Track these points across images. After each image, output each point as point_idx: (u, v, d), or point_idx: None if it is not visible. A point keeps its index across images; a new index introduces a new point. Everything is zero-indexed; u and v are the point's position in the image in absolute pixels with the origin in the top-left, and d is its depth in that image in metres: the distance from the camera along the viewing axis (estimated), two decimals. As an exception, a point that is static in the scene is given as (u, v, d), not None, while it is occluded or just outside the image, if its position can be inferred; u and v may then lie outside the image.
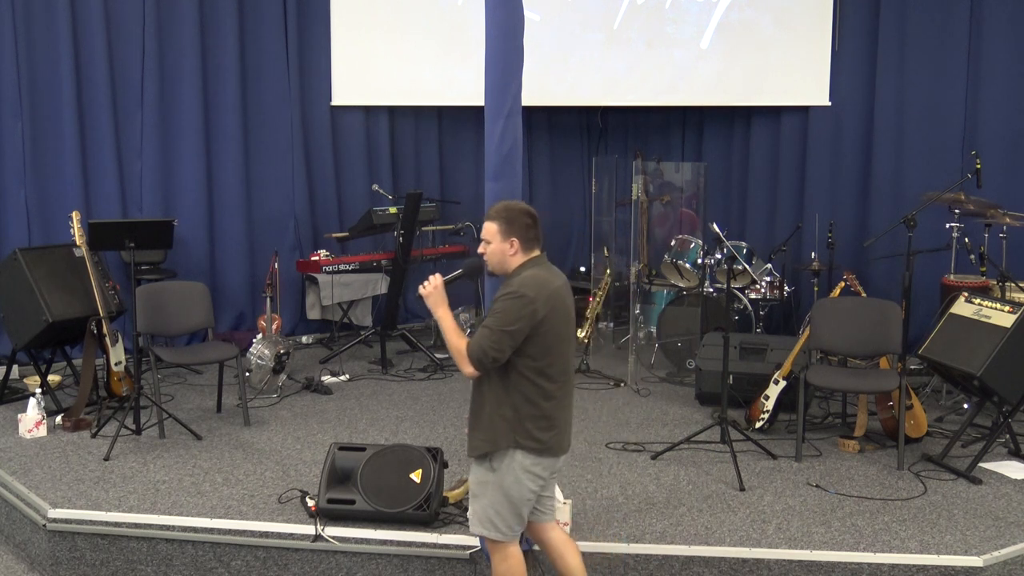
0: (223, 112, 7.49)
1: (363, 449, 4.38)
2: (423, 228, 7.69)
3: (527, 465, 3.31)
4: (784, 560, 3.97)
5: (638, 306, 7.28)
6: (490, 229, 3.35)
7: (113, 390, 5.84)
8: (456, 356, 3.28)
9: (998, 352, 4.85)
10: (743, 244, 7.15)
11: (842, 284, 5.72)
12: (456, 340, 3.28)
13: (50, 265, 5.93)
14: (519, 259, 3.34)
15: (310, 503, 4.30)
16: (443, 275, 3.45)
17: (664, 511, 4.43)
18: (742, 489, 4.69)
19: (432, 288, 3.37)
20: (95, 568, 4.25)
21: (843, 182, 7.73)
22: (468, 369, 3.26)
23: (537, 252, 3.38)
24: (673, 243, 7.31)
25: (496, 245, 3.34)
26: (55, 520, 4.28)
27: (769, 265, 7.13)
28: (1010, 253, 6.40)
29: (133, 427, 5.42)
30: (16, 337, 5.94)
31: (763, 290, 6.98)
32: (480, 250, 3.42)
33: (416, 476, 4.24)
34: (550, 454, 3.36)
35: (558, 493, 4.16)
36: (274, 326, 6.64)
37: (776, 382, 5.59)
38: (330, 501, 4.22)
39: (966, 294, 5.31)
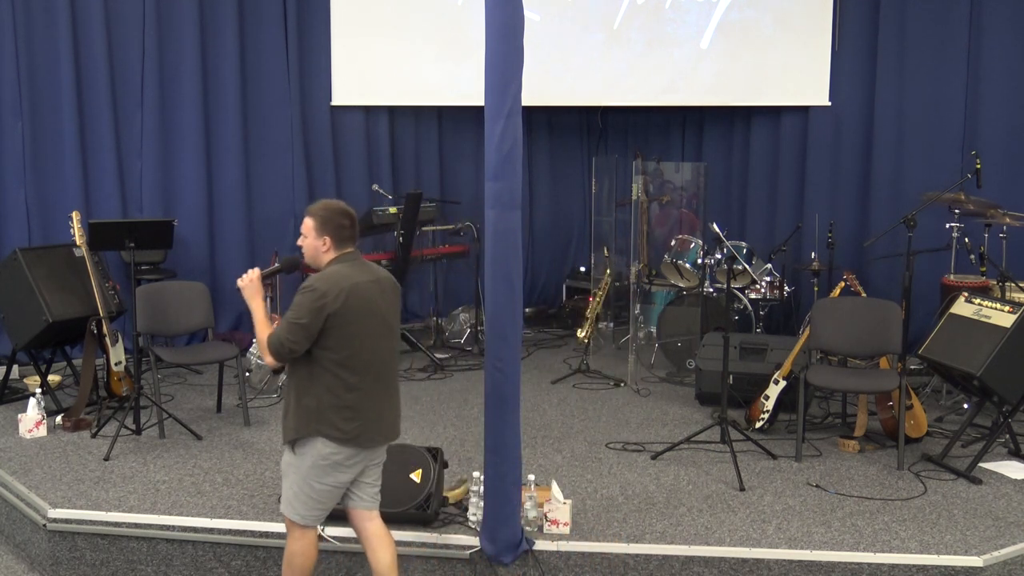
0: (223, 112, 7.49)
1: (363, 449, 4.38)
2: (423, 228, 7.69)
3: (327, 453, 3.42)
4: (784, 560, 3.97)
5: (638, 306, 7.28)
6: (307, 224, 3.50)
7: (113, 390, 5.84)
8: (259, 346, 3.47)
9: (998, 352, 4.85)
10: (743, 244, 7.15)
11: (842, 284, 5.72)
12: (261, 331, 3.48)
13: (50, 265, 5.94)
14: (330, 255, 3.49)
15: (310, 503, 4.30)
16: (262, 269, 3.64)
17: (664, 511, 4.43)
18: (742, 489, 4.69)
19: (249, 280, 3.56)
20: (95, 568, 4.25)
21: (843, 182, 7.73)
22: (268, 359, 3.44)
23: (350, 249, 3.52)
24: (673, 243, 7.31)
25: (311, 240, 3.50)
26: (55, 520, 4.28)
27: (769, 265, 7.13)
28: (1010, 253, 6.40)
29: (133, 427, 5.42)
30: (16, 337, 5.94)
31: (763, 290, 6.98)
32: (298, 243, 3.56)
33: (416, 476, 4.24)
34: (354, 444, 3.45)
35: (558, 493, 4.17)
36: (274, 326, 6.62)
37: (776, 382, 5.59)
38: (330, 501, 4.22)
39: (966, 294, 5.31)
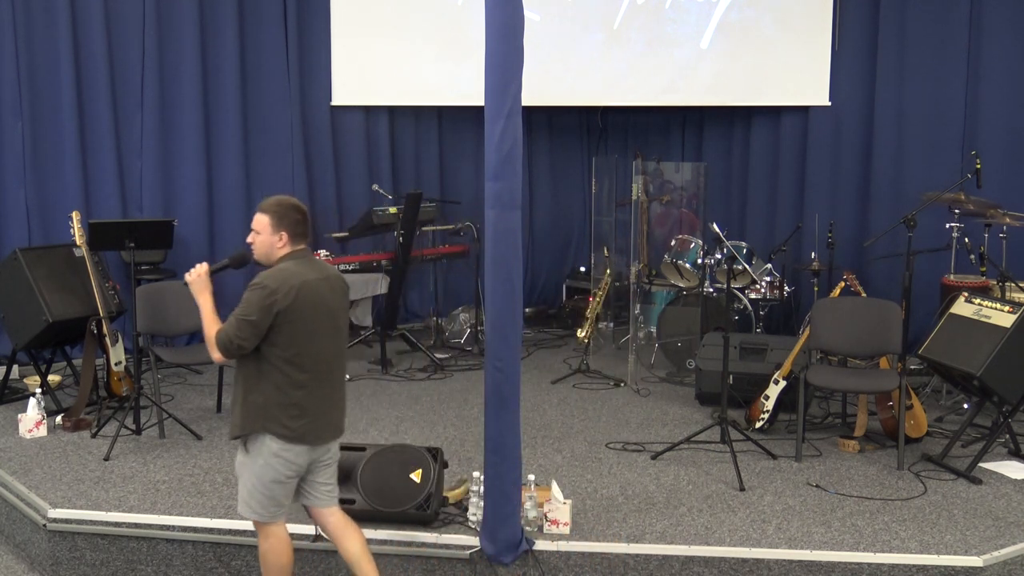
0: (223, 112, 7.49)
1: (363, 449, 4.38)
2: (423, 228, 7.69)
3: (276, 450, 3.43)
4: (784, 560, 3.97)
5: (638, 306, 7.28)
6: (261, 221, 3.49)
7: (113, 390, 5.84)
8: (207, 341, 3.47)
9: (998, 352, 4.85)
10: (743, 244, 7.15)
11: (842, 284, 5.72)
12: (209, 327, 3.47)
13: (50, 265, 5.93)
14: (284, 251, 3.50)
15: (310, 503, 4.30)
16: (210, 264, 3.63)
17: (664, 511, 4.43)
18: (742, 489, 4.69)
19: (197, 275, 3.55)
20: (95, 568, 4.25)
21: (843, 182, 7.73)
22: (216, 355, 3.44)
23: (302, 246, 3.53)
24: (673, 243, 7.31)
25: (265, 237, 3.49)
26: (55, 520, 4.28)
27: (769, 265, 7.13)
28: (1010, 253, 6.40)
29: (133, 427, 5.42)
30: (16, 337, 5.94)
31: (763, 290, 6.98)
32: (249, 240, 3.54)
33: (416, 476, 4.24)
34: (301, 442, 3.46)
35: (558, 493, 4.17)
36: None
37: (776, 382, 5.59)
38: (330, 501, 4.22)
39: (966, 294, 5.31)
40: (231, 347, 3.39)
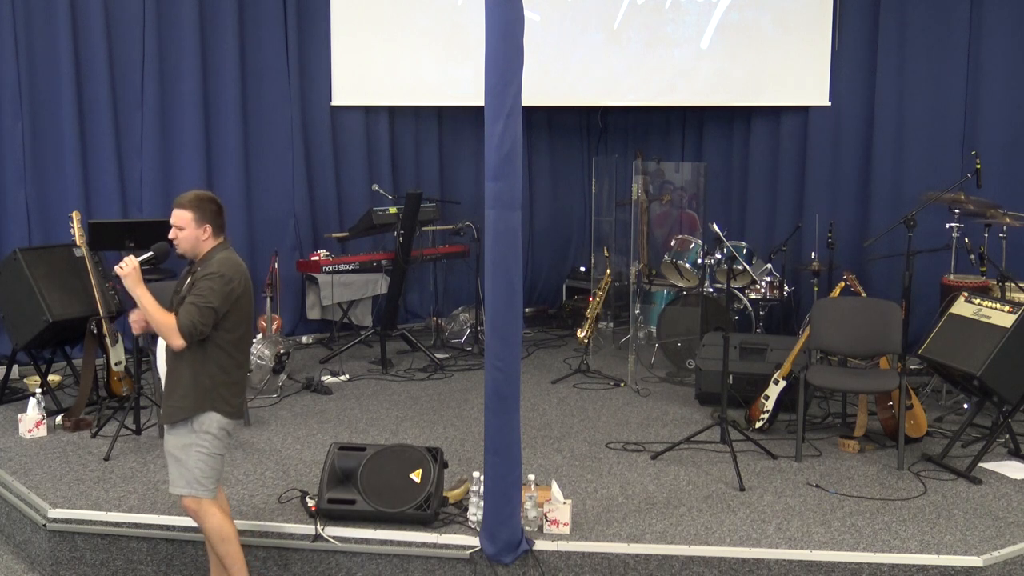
0: (223, 112, 7.49)
1: (363, 449, 4.38)
2: (423, 228, 7.69)
3: (222, 425, 3.68)
4: (784, 560, 3.97)
5: (638, 306, 7.28)
6: (183, 217, 3.66)
7: (113, 390, 5.84)
8: (165, 330, 3.56)
9: (998, 352, 4.85)
10: (743, 244, 7.16)
11: (842, 284, 5.72)
12: (163, 316, 3.57)
13: (50, 265, 5.94)
14: (211, 243, 3.70)
15: (310, 503, 4.30)
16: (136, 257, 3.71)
17: (664, 511, 4.43)
18: (742, 489, 4.69)
19: (130, 269, 3.61)
20: (95, 568, 4.25)
21: (843, 182, 7.73)
22: (178, 342, 3.55)
23: (223, 237, 3.75)
24: (673, 243, 7.31)
25: (190, 231, 3.66)
26: (55, 520, 4.28)
27: (769, 265, 7.13)
28: (1010, 253, 6.40)
29: (133, 427, 5.42)
30: (16, 337, 5.94)
31: (763, 290, 6.98)
32: (171, 236, 3.70)
33: (416, 476, 4.24)
34: (238, 417, 3.78)
35: (558, 493, 4.17)
36: (274, 326, 6.64)
37: (776, 382, 5.59)
38: (330, 501, 4.22)
39: (966, 294, 5.31)
40: (195, 332, 3.54)
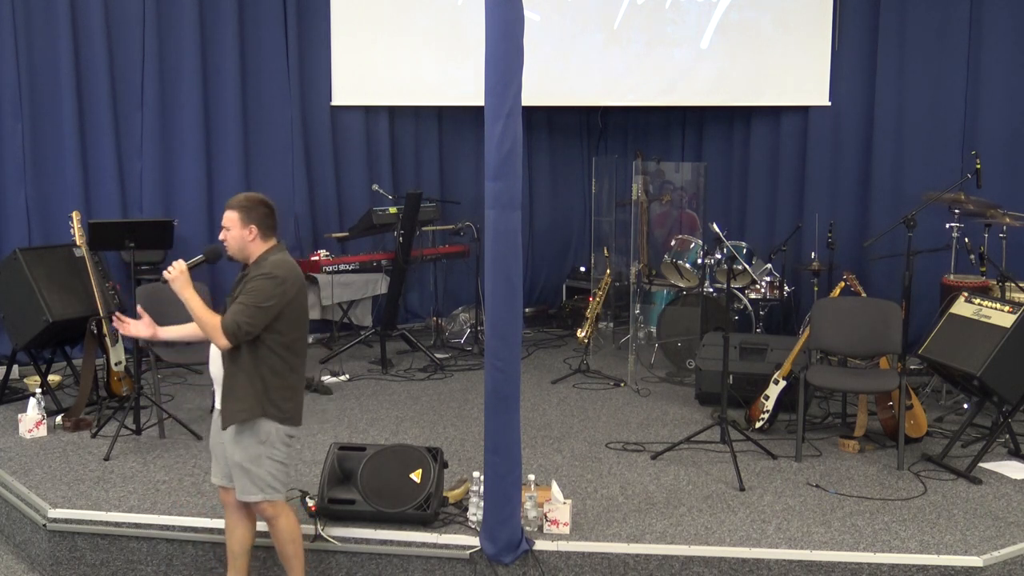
0: (223, 112, 7.49)
1: (363, 449, 4.38)
2: (423, 228, 7.69)
3: (285, 431, 3.67)
4: (784, 560, 3.97)
5: (638, 306, 7.28)
6: (231, 218, 3.67)
7: (113, 390, 5.84)
8: (210, 330, 3.58)
9: (998, 352, 4.85)
10: (743, 244, 7.16)
11: (842, 284, 5.72)
12: (209, 316, 3.59)
13: (50, 265, 5.94)
14: (259, 245, 3.67)
15: (310, 503, 4.30)
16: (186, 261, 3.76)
17: (664, 511, 4.43)
18: (742, 489, 4.69)
19: (178, 273, 3.67)
20: (95, 568, 4.25)
21: (843, 182, 7.74)
22: (223, 341, 3.54)
23: (274, 240, 3.73)
24: (673, 243, 7.31)
25: (236, 232, 3.66)
26: (55, 520, 4.28)
27: (769, 265, 7.14)
28: (1010, 253, 6.40)
29: (133, 427, 5.42)
30: (16, 337, 5.94)
31: (763, 290, 6.98)
32: (221, 237, 3.70)
33: (416, 476, 4.24)
34: (292, 423, 3.71)
35: (558, 493, 4.17)
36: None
37: (776, 382, 5.59)
38: (330, 501, 4.22)
39: (966, 294, 5.31)
40: (240, 332, 3.51)
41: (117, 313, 3.93)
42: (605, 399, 6.35)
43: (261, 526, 3.92)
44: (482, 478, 4.04)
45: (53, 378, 6.25)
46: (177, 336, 3.90)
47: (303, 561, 3.82)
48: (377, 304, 8.05)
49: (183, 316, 5.70)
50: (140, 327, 3.84)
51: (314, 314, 7.92)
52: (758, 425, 5.59)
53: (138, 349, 5.47)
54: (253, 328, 3.53)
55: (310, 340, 7.93)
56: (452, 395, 6.41)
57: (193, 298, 3.63)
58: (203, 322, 3.59)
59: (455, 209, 8.21)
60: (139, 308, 3.87)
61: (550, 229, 9.24)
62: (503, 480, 3.90)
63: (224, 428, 3.64)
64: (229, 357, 3.62)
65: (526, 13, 3.80)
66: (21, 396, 6.02)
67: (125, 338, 6.18)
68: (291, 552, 3.77)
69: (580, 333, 7.01)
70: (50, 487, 4.61)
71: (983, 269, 6.26)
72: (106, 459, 5.01)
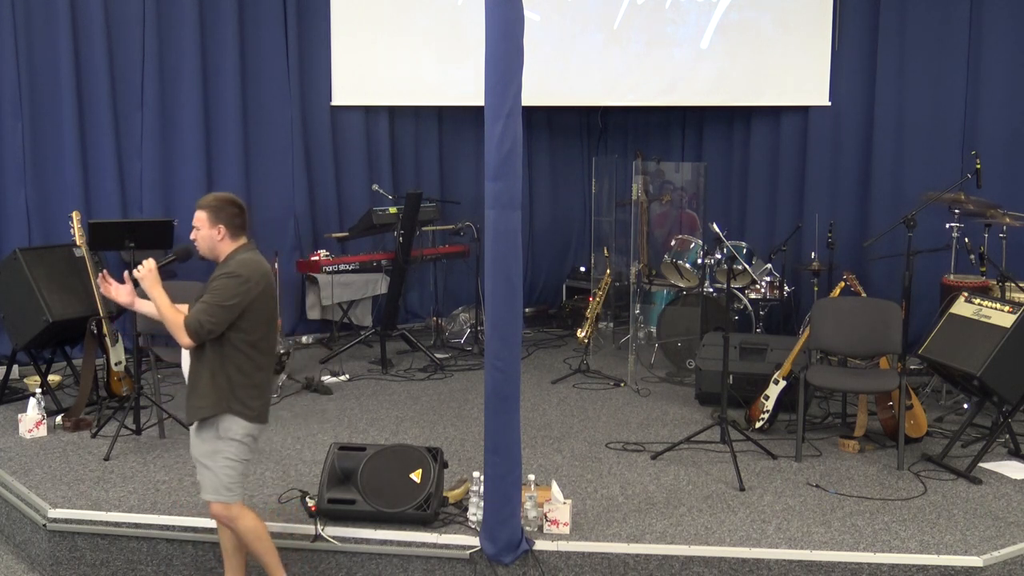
0: (223, 112, 7.49)
1: (363, 449, 4.38)
2: (423, 228, 7.69)
3: (247, 430, 3.66)
4: (784, 560, 3.97)
5: (638, 306, 7.28)
6: (200, 217, 3.67)
7: (113, 390, 5.84)
8: (174, 328, 3.58)
9: (998, 352, 4.85)
10: (743, 244, 7.16)
11: (842, 284, 5.72)
12: (173, 314, 3.60)
13: (50, 265, 5.94)
14: (228, 244, 3.68)
15: (310, 503, 4.30)
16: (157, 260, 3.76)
17: (664, 511, 4.43)
18: (742, 489, 4.69)
19: (147, 271, 3.67)
20: (95, 568, 4.25)
21: (843, 182, 7.74)
22: (186, 340, 3.56)
23: (244, 239, 3.72)
24: (673, 243, 7.31)
25: (205, 231, 3.67)
26: (55, 520, 4.28)
27: (769, 265, 7.14)
28: (1010, 253, 6.40)
29: (133, 427, 5.42)
30: (16, 337, 5.94)
31: (763, 290, 6.98)
32: (192, 236, 3.71)
33: (416, 476, 4.24)
34: (259, 421, 3.71)
35: (558, 493, 4.17)
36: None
37: (776, 382, 5.59)
38: (330, 501, 4.22)
39: (966, 294, 5.31)
40: (202, 331, 3.53)
41: (104, 272, 3.90)
42: (605, 399, 6.35)
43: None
44: (482, 478, 4.04)
45: (53, 378, 6.25)
46: (150, 311, 3.82)
47: (276, 555, 3.81)
48: (377, 304, 8.05)
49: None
50: (122, 292, 3.82)
51: (314, 314, 7.93)
52: (758, 425, 5.59)
53: (138, 349, 5.46)
54: (216, 327, 3.54)
55: (310, 340, 7.96)
56: (452, 395, 6.41)
57: (161, 296, 3.64)
58: (168, 320, 3.61)
59: (455, 209, 8.21)
60: (125, 274, 3.84)
61: (550, 229, 9.24)
62: (503, 480, 3.90)
63: (188, 424, 3.71)
64: (195, 355, 3.65)
65: (526, 13, 3.80)
66: (21, 396, 6.03)
67: (125, 338, 6.22)
68: (261, 549, 3.78)
69: (580, 333, 7.01)
70: (50, 487, 4.61)
71: (983, 269, 6.26)
72: (106, 459, 5.01)
